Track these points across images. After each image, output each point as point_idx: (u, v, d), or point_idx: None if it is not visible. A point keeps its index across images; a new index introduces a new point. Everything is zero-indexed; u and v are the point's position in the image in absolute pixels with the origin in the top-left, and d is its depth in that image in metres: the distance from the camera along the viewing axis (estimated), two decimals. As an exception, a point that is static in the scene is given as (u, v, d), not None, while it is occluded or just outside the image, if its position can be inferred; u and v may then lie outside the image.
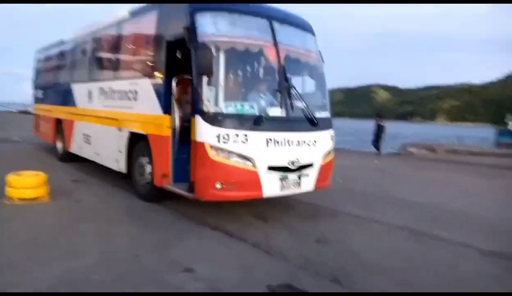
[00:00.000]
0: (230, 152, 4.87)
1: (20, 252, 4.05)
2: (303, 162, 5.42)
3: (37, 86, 12.56)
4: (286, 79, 5.39)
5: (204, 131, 4.89)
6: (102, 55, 8.17)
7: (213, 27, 5.12)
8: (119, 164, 7.01)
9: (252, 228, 5.31)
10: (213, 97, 4.94)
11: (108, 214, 5.67)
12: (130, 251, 4.25)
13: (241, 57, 5.47)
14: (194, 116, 5.04)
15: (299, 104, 5.54)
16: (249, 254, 4.43)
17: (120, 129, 6.97)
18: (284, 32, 5.64)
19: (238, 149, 4.91)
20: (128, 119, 6.74)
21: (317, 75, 6.31)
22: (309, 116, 5.61)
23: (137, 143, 6.45)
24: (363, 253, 4.63)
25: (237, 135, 4.89)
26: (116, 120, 7.14)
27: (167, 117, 5.66)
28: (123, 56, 7.26)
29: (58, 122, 10.29)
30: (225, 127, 4.88)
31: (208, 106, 4.88)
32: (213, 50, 4.90)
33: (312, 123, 5.62)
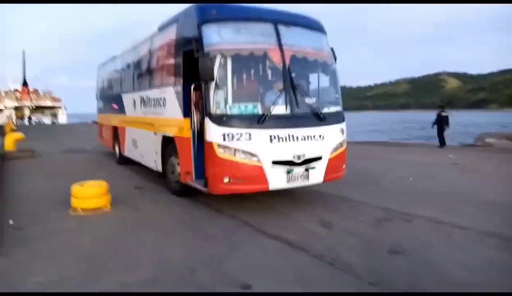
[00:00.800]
0: (235, 149, 5.38)
1: (78, 266, 4.04)
2: (310, 155, 5.76)
3: (99, 98, 13.87)
4: (291, 79, 5.74)
5: (212, 132, 5.44)
6: (140, 67, 9.00)
7: (218, 36, 5.61)
8: (156, 164, 7.87)
9: (315, 237, 4.95)
10: (219, 100, 5.48)
11: (165, 223, 5.63)
12: (186, 264, 4.07)
13: (245, 62, 5.91)
14: (205, 118, 5.57)
15: (304, 101, 5.93)
16: (312, 266, 4.04)
17: (155, 133, 7.77)
18: (290, 34, 6.00)
19: (242, 146, 5.38)
20: (160, 124, 7.51)
21: (327, 72, 6.57)
22: (315, 112, 5.95)
23: (169, 145, 7.12)
24: (446, 267, 4.01)
25: (240, 133, 5.38)
26: (152, 125, 7.99)
27: (187, 120, 6.23)
28: (154, 67, 7.99)
29: (115, 129, 11.41)
30: (229, 127, 5.39)
31: (214, 109, 5.43)
32: (217, 58, 5.44)
33: (319, 119, 5.93)
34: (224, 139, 5.37)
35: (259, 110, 5.61)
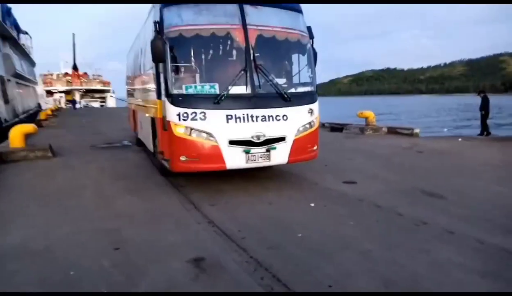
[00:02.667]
0: (190, 128, 5.56)
1: None
2: (271, 135, 5.81)
3: (126, 84, 14.43)
4: (254, 59, 5.78)
5: (169, 111, 5.67)
6: (141, 52, 9.17)
7: (178, 18, 5.71)
8: (150, 144, 8.25)
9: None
10: (175, 81, 5.73)
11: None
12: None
13: (205, 42, 5.91)
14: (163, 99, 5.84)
15: (267, 82, 5.93)
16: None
17: (148, 115, 8.18)
18: (257, 13, 5.99)
19: (197, 125, 5.56)
20: (149, 105, 7.81)
21: (300, 52, 6.54)
22: (279, 92, 5.96)
23: (154, 126, 7.28)
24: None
25: (195, 113, 5.55)
26: (146, 107, 8.47)
27: (161, 102, 6.24)
28: (146, 52, 7.97)
29: (134, 113, 11.88)
30: (184, 107, 5.58)
31: (171, 89, 5.66)
32: (174, 40, 5.60)
33: (283, 99, 5.94)
34: (180, 118, 5.56)
35: (216, 90, 5.73)
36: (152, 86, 7.30)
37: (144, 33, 8.51)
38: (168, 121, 5.71)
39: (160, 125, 6.46)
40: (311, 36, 6.55)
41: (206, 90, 5.75)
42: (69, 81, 58.20)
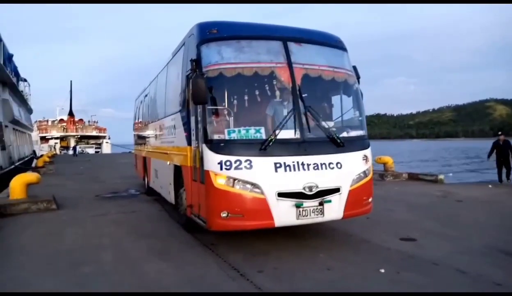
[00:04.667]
0: (234, 179, 4.78)
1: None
2: (324, 186, 5.02)
3: (134, 129, 13.95)
4: (301, 100, 5.20)
5: (208, 159, 4.91)
6: (160, 95, 8.71)
7: (218, 55, 5.14)
8: (170, 195, 7.46)
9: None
10: (216, 124, 5.02)
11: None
12: None
13: (248, 82, 5.32)
14: (202, 145, 5.10)
15: (318, 124, 5.29)
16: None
17: (169, 163, 7.37)
18: (302, 51, 5.50)
19: (242, 175, 4.78)
20: (172, 153, 7.11)
21: (348, 92, 5.92)
22: (331, 137, 5.26)
23: (179, 176, 6.58)
24: None
25: (240, 161, 4.78)
26: (167, 154, 7.64)
27: (191, 148, 5.71)
28: (169, 94, 7.65)
29: (144, 160, 11.20)
30: (227, 154, 4.82)
31: (211, 134, 4.94)
32: (214, 79, 4.97)
33: (336, 144, 5.24)
34: (221, 168, 4.77)
35: (262, 135, 5.00)
36: (177, 131, 6.63)
37: (166, 74, 7.92)
38: (207, 171, 4.90)
39: (190, 175, 5.70)
40: (358, 76, 5.96)
41: (251, 135, 4.99)
42: (64, 128, 57.71)
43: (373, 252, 5.28)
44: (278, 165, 4.85)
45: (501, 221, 7.11)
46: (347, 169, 5.24)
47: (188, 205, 5.84)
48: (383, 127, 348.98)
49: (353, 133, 5.71)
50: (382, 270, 4.51)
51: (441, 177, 13.19)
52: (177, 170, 6.72)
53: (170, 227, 6.94)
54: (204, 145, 4.97)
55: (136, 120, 13.30)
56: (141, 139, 11.89)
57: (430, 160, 49.59)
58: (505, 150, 12.90)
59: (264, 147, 4.83)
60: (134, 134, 13.74)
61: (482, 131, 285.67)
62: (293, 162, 4.92)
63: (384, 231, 6.31)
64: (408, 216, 7.57)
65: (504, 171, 13.15)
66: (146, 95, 10.96)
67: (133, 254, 5.34)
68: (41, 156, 28.86)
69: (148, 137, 10.24)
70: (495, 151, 13.19)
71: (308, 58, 5.50)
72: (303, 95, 5.26)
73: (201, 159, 5.10)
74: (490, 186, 12.02)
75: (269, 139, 4.86)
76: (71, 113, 59.39)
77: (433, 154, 67.69)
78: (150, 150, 9.95)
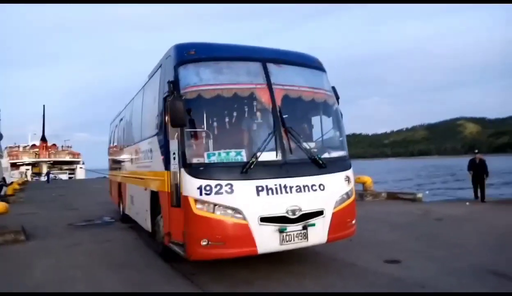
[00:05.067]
0: (214, 204, 4.56)
1: None
2: (308, 209, 4.87)
3: (108, 154, 13.50)
4: (282, 121, 5.07)
5: (187, 184, 4.68)
6: (136, 118, 8.45)
7: (196, 77, 5.00)
8: (146, 222, 7.07)
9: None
10: (194, 148, 4.84)
11: None
12: None
13: (228, 104, 5.21)
14: (180, 170, 4.84)
15: (299, 146, 5.13)
16: None
17: (145, 189, 7.01)
18: (281, 72, 5.40)
19: (223, 200, 4.57)
20: (148, 177, 6.79)
21: (328, 113, 5.88)
22: (313, 158, 5.13)
23: (156, 202, 6.25)
24: None
25: (220, 185, 4.58)
26: (142, 179, 7.34)
27: (168, 173, 5.31)
28: (145, 117, 7.40)
29: (119, 185, 10.76)
30: (207, 178, 4.61)
31: (189, 157, 4.73)
32: (193, 101, 4.82)
33: (318, 166, 5.11)
34: (201, 193, 4.56)
35: (243, 157, 4.84)
36: (154, 155, 6.36)
37: (143, 97, 7.69)
38: (185, 197, 4.66)
39: (168, 201, 5.40)
40: (337, 96, 5.94)
41: (231, 158, 4.81)
42: (37, 153, 55.93)
43: (359, 277, 5.13)
44: (260, 188, 4.68)
45: (483, 239, 7.10)
46: (330, 191, 5.12)
47: (166, 232, 5.55)
48: (359, 147, 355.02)
49: (335, 154, 5.61)
50: (369, 296, 4.37)
51: (420, 195, 13.31)
52: (154, 195, 6.42)
53: (147, 256, 6.60)
54: (182, 170, 4.75)
55: (111, 145, 12.90)
56: (116, 164, 11.49)
57: (404, 178, 50.31)
58: (481, 169, 12.83)
59: (245, 170, 4.67)
60: (109, 159, 13.31)
61: (454, 149, 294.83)
62: (275, 185, 4.76)
63: (368, 253, 6.19)
64: (390, 236, 7.49)
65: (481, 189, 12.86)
66: (121, 119, 10.66)
67: (108, 287, 4.99)
68: (11, 183, 27.71)
69: (124, 161, 9.88)
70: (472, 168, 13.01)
71: (288, 79, 5.43)
72: (284, 116, 5.15)
73: (179, 184, 4.87)
74: (467, 203, 12.16)
75: (251, 162, 4.70)
76: (43, 139, 57.73)
77: (409, 172, 68.85)
78: (126, 175, 9.58)
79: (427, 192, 27.33)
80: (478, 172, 12.85)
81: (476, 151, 13.68)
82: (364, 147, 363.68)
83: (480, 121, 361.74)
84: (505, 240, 7.02)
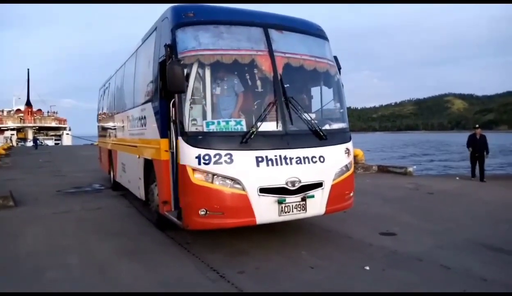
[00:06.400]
0: (213, 174, 4.44)
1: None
2: (307, 181, 4.80)
3: (98, 120, 13.17)
4: (284, 90, 4.91)
5: (185, 153, 4.53)
6: (128, 84, 8.13)
7: (195, 41, 4.77)
8: (140, 191, 6.97)
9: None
10: (193, 115, 4.64)
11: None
12: None
13: (228, 70, 5.07)
14: (178, 138, 4.70)
15: (300, 116, 4.99)
16: None
17: (139, 157, 6.84)
18: (283, 39, 5.20)
19: (222, 170, 4.45)
20: (142, 145, 6.60)
21: (329, 83, 5.70)
22: (314, 129, 5.03)
23: (151, 170, 6.15)
24: None
25: (219, 155, 4.45)
26: (136, 148, 7.10)
27: (164, 141, 5.29)
28: (138, 83, 7.14)
29: (110, 153, 10.54)
30: (206, 147, 4.47)
31: (188, 126, 4.56)
32: (192, 66, 4.63)
33: (319, 137, 5.01)
34: (200, 162, 4.42)
35: (243, 127, 4.68)
36: (148, 122, 6.17)
37: (135, 62, 7.39)
38: (183, 166, 4.52)
39: (165, 169, 5.29)
40: (339, 66, 5.77)
41: (231, 127, 4.65)
42: (22, 118, 54.79)
43: (355, 249, 5.14)
44: (260, 159, 4.56)
45: (475, 213, 7.20)
46: (330, 163, 5.04)
47: (161, 201, 5.44)
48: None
49: (335, 126, 5.50)
50: (367, 268, 4.36)
51: (410, 169, 13.42)
52: (148, 164, 6.28)
53: (141, 224, 6.53)
54: (180, 138, 4.58)
55: (101, 111, 12.58)
56: (106, 131, 11.21)
57: (394, 153, 50.86)
58: (481, 146, 11.87)
59: (245, 140, 4.53)
60: (98, 126, 13.00)
61: (441, 124, 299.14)
62: (276, 156, 4.65)
63: (363, 226, 6.22)
64: (384, 209, 7.53)
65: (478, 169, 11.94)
66: (111, 85, 10.32)
67: (102, 256, 4.92)
68: (-4, 147, 27.21)
69: (115, 129, 9.61)
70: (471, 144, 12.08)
71: (290, 46, 5.21)
72: (285, 86, 4.98)
73: (177, 153, 4.73)
74: (457, 178, 12.31)
75: (251, 131, 4.56)
76: (28, 103, 56.52)
77: (397, 146, 69.56)
78: (117, 142, 9.34)
79: (414, 167, 27.76)
80: (478, 149, 11.90)
81: (477, 125, 12.46)
82: (353, 120, 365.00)
83: (468, 98, 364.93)
84: (497, 215, 7.12)
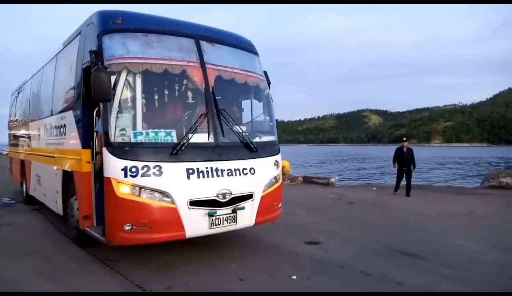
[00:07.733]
0: (140, 187, 4.27)
1: None
2: (238, 193, 4.84)
3: (9, 128, 12.06)
4: (215, 102, 4.90)
5: (110, 165, 4.30)
6: (46, 91, 7.62)
7: (123, 49, 4.60)
8: (57, 205, 6.49)
9: None
10: (120, 125, 4.39)
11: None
12: None
13: (158, 80, 4.92)
14: (102, 149, 4.45)
15: (231, 129, 5.02)
16: None
17: (56, 168, 6.41)
18: (214, 52, 5.21)
19: (150, 183, 4.30)
20: (61, 156, 6.19)
21: (259, 97, 5.81)
22: (245, 141, 5.08)
23: (70, 183, 5.81)
24: None
25: (147, 167, 4.29)
26: (53, 158, 6.63)
27: (86, 152, 5.10)
28: (57, 90, 6.71)
29: (22, 163, 9.72)
30: (133, 159, 4.29)
31: (114, 136, 4.32)
32: (119, 74, 4.43)
33: (250, 150, 5.08)
34: (126, 174, 4.22)
35: (173, 138, 4.56)
36: (68, 131, 5.80)
37: (55, 67, 6.92)
38: (108, 178, 4.29)
39: (86, 182, 5.01)
40: (268, 81, 5.93)
41: (161, 138, 4.50)
42: None
43: (282, 258, 5.27)
44: (190, 171, 4.50)
45: (390, 221, 7.80)
46: (260, 175, 5.13)
47: (82, 216, 5.11)
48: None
49: (265, 138, 5.61)
50: (294, 277, 4.50)
51: (333, 180, 14.16)
52: (67, 176, 5.88)
53: (58, 241, 6.05)
54: (104, 149, 4.34)
55: (13, 118, 11.50)
56: (19, 140, 10.25)
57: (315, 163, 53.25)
58: (408, 159, 11.34)
59: (175, 152, 4.44)
60: (10, 134, 11.85)
61: (359, 138, 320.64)
62: (207, 168, 4.62)
63: (290, 235, 6.40)
64: (309, 218, 7.84)
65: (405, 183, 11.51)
66: (27, 90, 9.53)
67: (16, 277, 4.48)
68: None
69: (29, 137, 8.84)
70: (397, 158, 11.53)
71: (221, 59, 5.24)
72: (217, 98, 4.99)
73: (101, 164, 4.49)
74: (374, 188, 13.23)
75: (181, 143, 4.47)
76: None
77: (322, 157, 72.96)
78: (31, 152, 8.59)
79: (337, 177, 29.31)
80: (405, 163, 11.32)
81: (404, 138, 12.11)
82: (280, 133, 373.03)
83: (383, 114, 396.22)
84: (407, 222, 7.76)
